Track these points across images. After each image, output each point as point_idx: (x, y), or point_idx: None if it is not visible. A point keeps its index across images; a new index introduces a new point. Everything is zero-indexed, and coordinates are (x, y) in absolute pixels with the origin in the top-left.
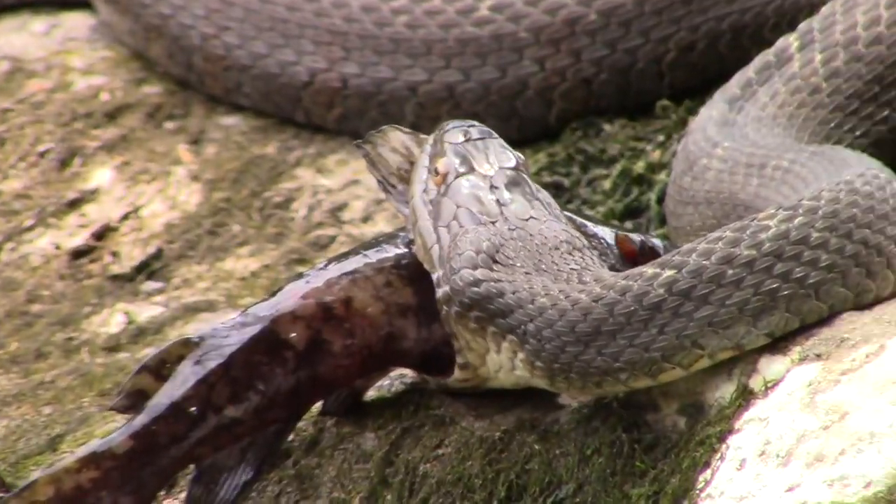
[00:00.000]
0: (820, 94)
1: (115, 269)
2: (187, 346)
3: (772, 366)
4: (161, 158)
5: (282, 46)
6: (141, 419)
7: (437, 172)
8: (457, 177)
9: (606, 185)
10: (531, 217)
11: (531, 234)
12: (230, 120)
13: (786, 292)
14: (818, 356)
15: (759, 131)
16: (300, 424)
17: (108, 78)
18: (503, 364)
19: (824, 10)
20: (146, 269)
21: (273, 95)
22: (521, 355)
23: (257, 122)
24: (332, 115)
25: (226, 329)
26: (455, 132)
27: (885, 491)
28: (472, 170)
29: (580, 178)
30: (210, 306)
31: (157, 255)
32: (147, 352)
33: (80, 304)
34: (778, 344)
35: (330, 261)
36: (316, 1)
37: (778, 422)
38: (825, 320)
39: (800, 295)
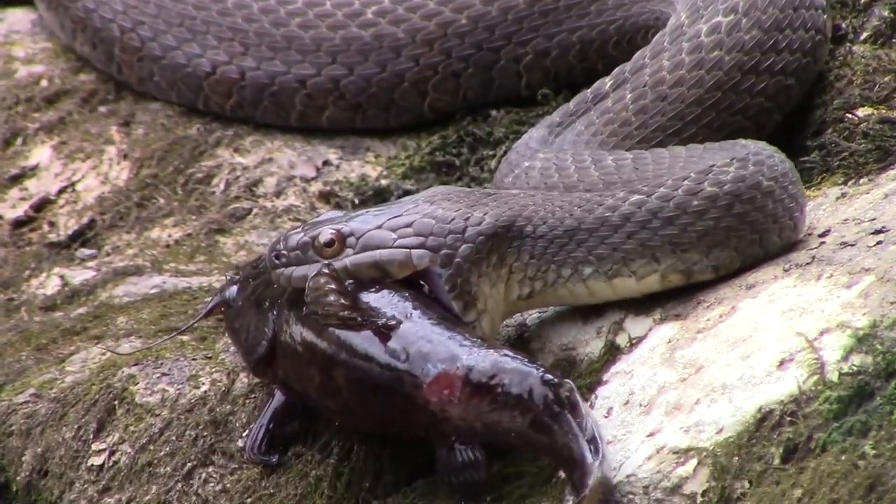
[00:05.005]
0: (629, 127)
1: (53, 237)
2: None
3: (636, 324)
4: (95, 139)
5: (189, 40)
6: None
7: (327, 244)
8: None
9: (493, 164)
10: None
11: None
12: (157, 105)
13: (739, 233)
14: (677, 316)
15: (575, 148)
16: (216, 376)
17: (47, 67)
18: (500, 297)
19: (635, 56)
20: (80, 237)
21: (178, 84)
22: (516, 265)
23: (181, 107)
24: (230, 103)
25: None
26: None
27: (735, 436)
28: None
29: (469, 158)
30: (137, 270)
31: (91, 225)
32: (80, 312)
33: (21, 268)
34: (641, 305)
35: None
36: (221, 1)
37: (641, 375)
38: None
39: (748, 239)
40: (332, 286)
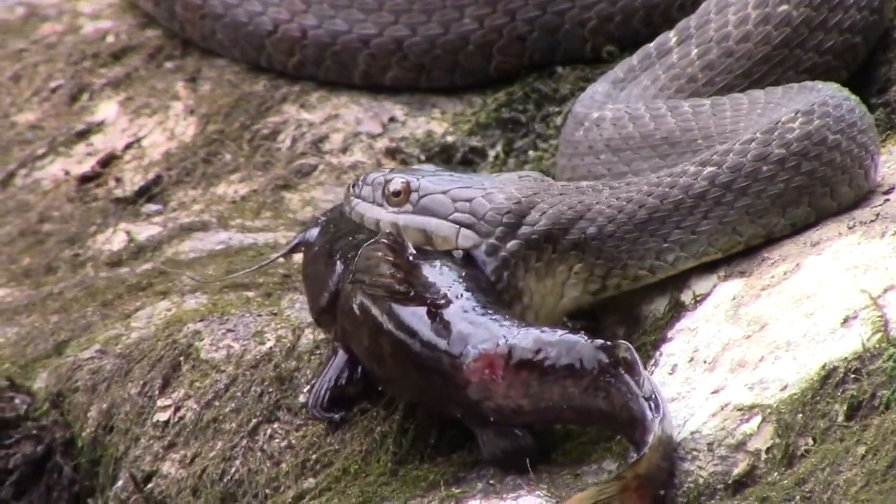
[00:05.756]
0: (696, 84)
1: (119, 193)
2: None
3: (701, 281)
4: (161, 94)
5: None
6: None
7: (394, 193)
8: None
9: (558, 120)
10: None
11: None
12: (223, 61)
13: (810, 189)
14: (742, 273)
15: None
16: (281, 332)
17: (114, 22)
18: (549, 293)
19: (699, 10)
20: (146, 193)
21: (241, 42)
22: (579, 266)
23: (247, 64)
24: (292, 62)
25: None
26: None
27: (799, 393)
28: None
29: (535, 115)
30: (203, 226)
31: (157, 180)
32: (145, 267)
33: (87, 224)
34: (706, 262)
35: None
36: None
37: (705, 332)
38: None
39: (820, 193)
40: (389, 257)
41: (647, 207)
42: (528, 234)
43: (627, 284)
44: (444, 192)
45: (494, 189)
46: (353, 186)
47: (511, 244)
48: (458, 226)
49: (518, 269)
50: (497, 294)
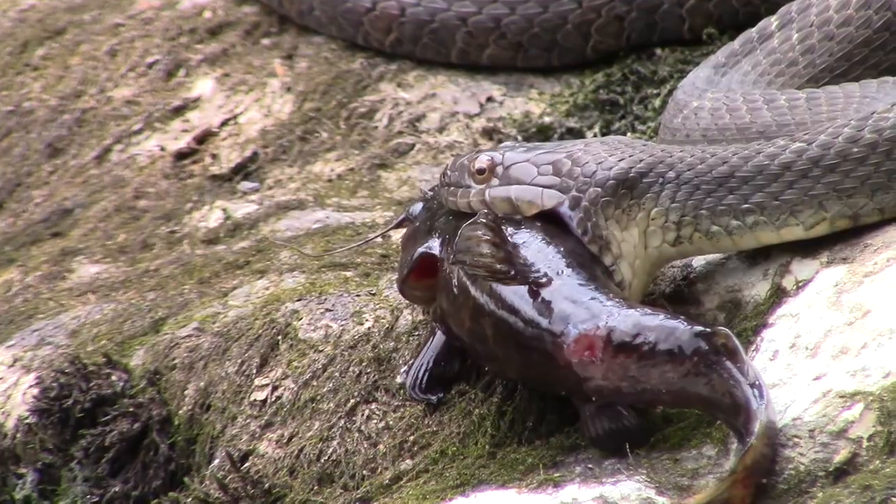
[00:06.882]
0: (796, 67)
1: (215, 170)
2: None
3: (803, 267)
4: (258, 71)
5: None
6: None
7: (479, 171)
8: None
9: (657, 102)
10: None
11: None
12: (320, 38)
13: None
14: (844, 259)
15: (743, 88)
16: (379, 313)
17: None
18: (636, 242)
19: None
20: (243, 170)
21: (338, 19)
22: (655, 211)
23: (344, 41)
24: (389, 39)
25: None
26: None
27: None
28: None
29: (633, 97)
30: (300, 205)
31: (253, 158)
32: (242, 245)
33: (183, 200)
34: (808, 248)
35: None
36: None
37: (807, 318)
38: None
39: None
40: (488, 237)
41: (729, 164)
42: (605, 180)
43: (702, 240)
44: (528, 160)
45: (580, 149)
46: (444, 175)
47: (590, 191)
48: (541, 188)
49: (599, 218)
50: (598, 265)
